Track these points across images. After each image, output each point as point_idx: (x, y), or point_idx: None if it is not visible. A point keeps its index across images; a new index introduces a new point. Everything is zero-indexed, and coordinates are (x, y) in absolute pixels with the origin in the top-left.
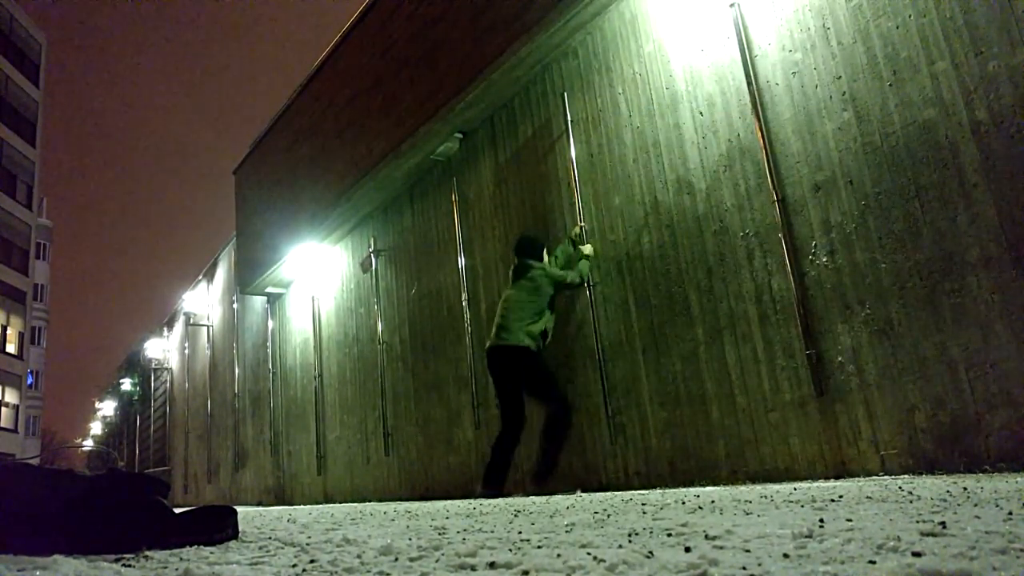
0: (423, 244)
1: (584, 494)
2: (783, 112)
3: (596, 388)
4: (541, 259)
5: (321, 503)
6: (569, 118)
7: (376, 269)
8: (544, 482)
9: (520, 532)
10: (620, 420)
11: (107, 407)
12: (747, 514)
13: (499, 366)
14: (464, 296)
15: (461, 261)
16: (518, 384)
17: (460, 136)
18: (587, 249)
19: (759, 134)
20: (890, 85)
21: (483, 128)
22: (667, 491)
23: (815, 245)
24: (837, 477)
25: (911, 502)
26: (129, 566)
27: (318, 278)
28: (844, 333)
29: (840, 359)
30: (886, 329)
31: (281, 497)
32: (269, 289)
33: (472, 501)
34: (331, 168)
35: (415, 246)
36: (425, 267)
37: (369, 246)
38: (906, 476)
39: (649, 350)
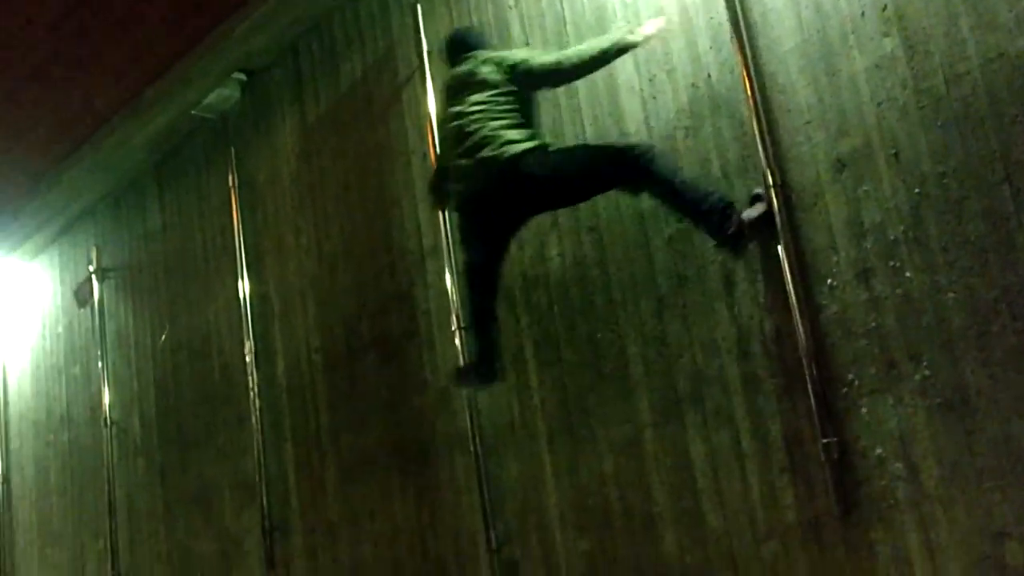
0: (180, 260)
1: None
2: (783, 39)
3: (470, 500)
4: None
5: None
6: (425, 48)
7: (101, 301)
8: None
9: None
10: (511, 554)
11: None
12: None
13: (497, 199)
14: (248, 347)
15: (244, 288)
16: (516, 226)
17: (242, 78)
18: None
19: (743, 75)
20: None
21: (280, 65)
22: None
23: (838, 261)
24: None
25: None
26: None
27: (3, 316)
28: (887, 409)
29: (880, 452)
30: (956, 402)
31: None
32: None
33: None
34: (25, 131)
35: (167, 263)
36: (183, 298)
37: (89, 263)
38: None
39: (559, 437)
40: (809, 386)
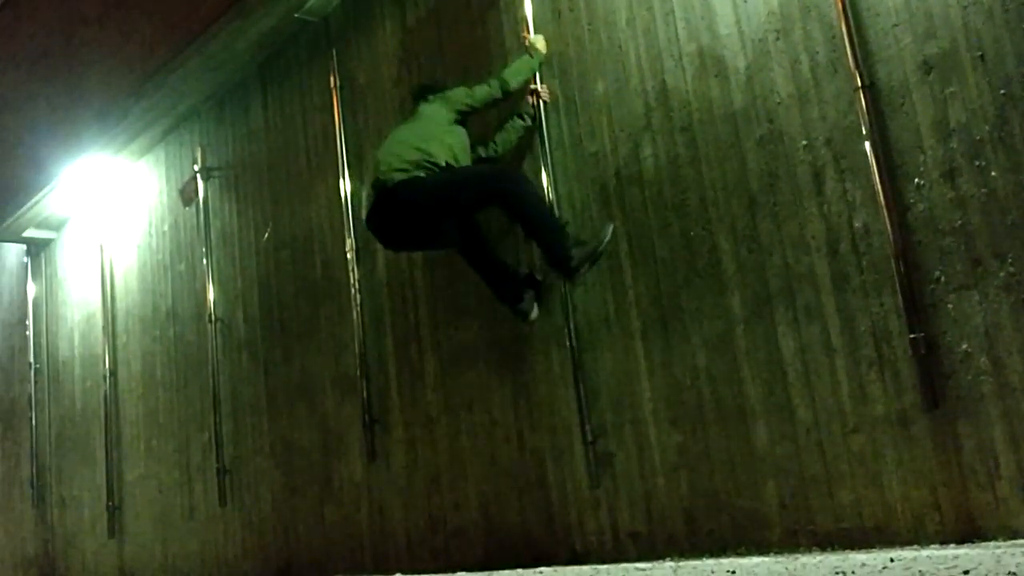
0: (283, 159)
1: (546, 570)
2: None
3: (565, 395)
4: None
5: None
6: None
7: (206, 200)
8: (568, 266)
9: None
10: (605, 447)
11: None
12: None
13: (397, 213)
14: (350, 244)
15: (345, 186)
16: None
17: None
18: (538, 42)
19: None
20: None
21: None
22: (683, 563)
23: (924, 161)
24: (961, 540)
25: None
26: None
27: (111, 215)
28: (973, 305)
29: (966, 347)
30: None
31: (50, 573)
32: (30, 233)
33: None
34: (132, 35)
35: (269, 163)
36: (286, 197)
37: (194, 162)
38: None
39: (653, 332)
40: (897, 283)
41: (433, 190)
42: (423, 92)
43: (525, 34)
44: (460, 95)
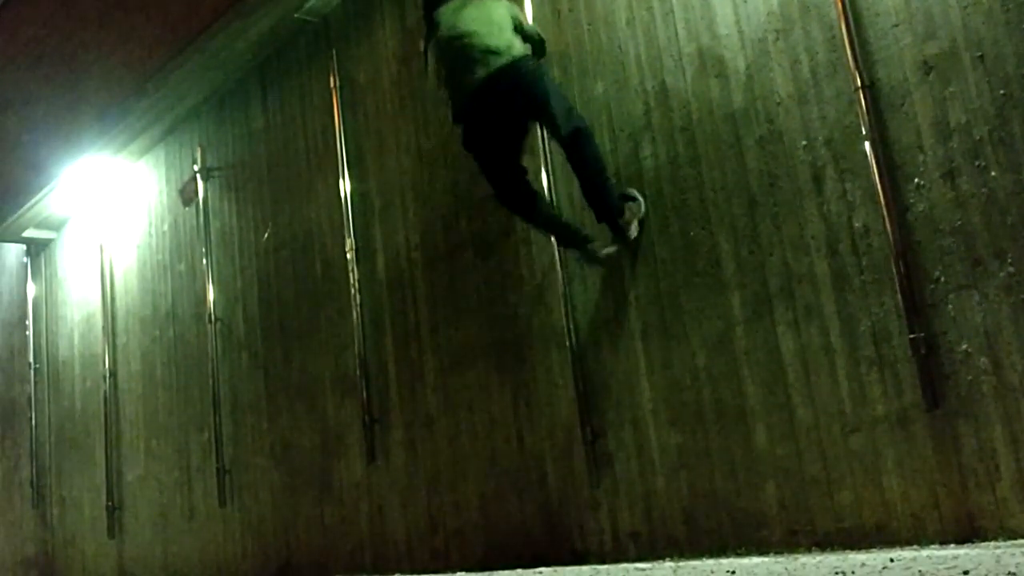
0: (283, 159)
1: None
2: None
3: (565, 395)
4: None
5: None
6: None
7: (205, 200)
8: (618, 223)
9: None
10: (606, 447)
11: None
12: None
13: (507, 106)
14: (349, 244)
15: (345, 186)
16: (526, 133)
17: None
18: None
19: None
20: None
21: None
22: (682, 564)
23: (924, 161)
24: (961, 540)
25: None
26: None
27: (110, 215)
28: (972, 305)
29: (966, 347)
30: None
31: (48, 573)
32: (30, 233)
33: None
34: (132, 35)
35: (269, 163)
36: (286, 197)
37: (194, 162)
38: None
39: (653, 333)
40: (896, 283)
41: (544, 84)
42: None
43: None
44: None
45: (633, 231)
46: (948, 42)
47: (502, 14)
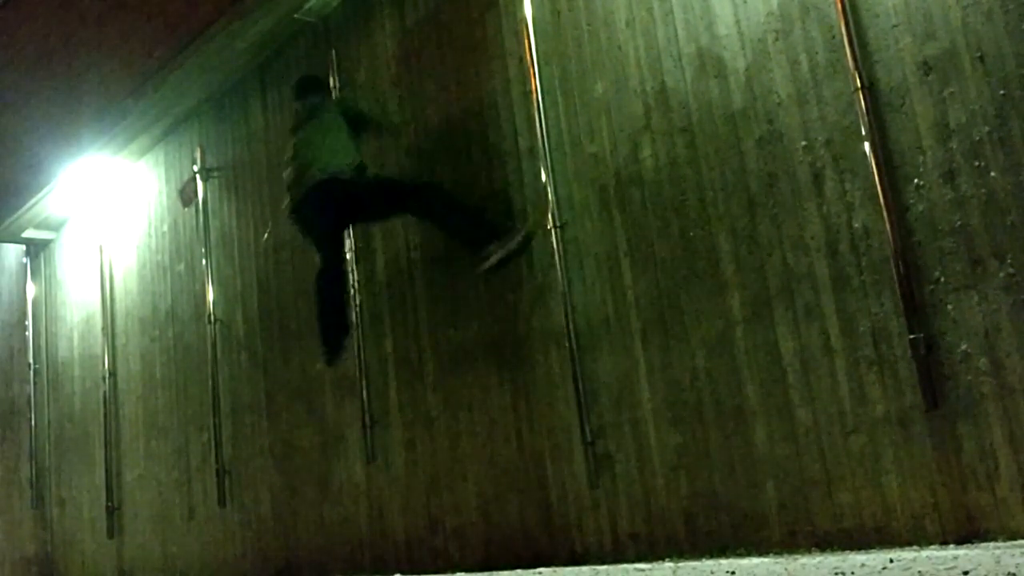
0: (282, 159)
1: (545, 571)
2: None
3: (565, 395)
4: (326, 98)
5: None
6: None
7: (205, 201)
8: (481, 246)
9: None
10: (605, 448)
11: None
12: None
13: (320, 207)
14: (349, 244)
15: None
16: (345, 225)
17: None
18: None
19: None
20: None
21: None
22: (682, 564)
23: (924, 162)
24: (960, 541)
25: None
26: None
27: (110, 216)
28: (972, 306)
29: (966, 347)
30: None
31: (48, 573)
32: (29, 233)
33: None
34: (132, 33)
35: (269, 163)
36: (286, 197)
37: (193, 163)
38: None
39: (653, 333)
40: (896, 283)
41: (362, 184)
42: (308, 91)
43: None
44: (346, 107)
45: (491, 261)
46: (948, 42)
47: (334, 131)
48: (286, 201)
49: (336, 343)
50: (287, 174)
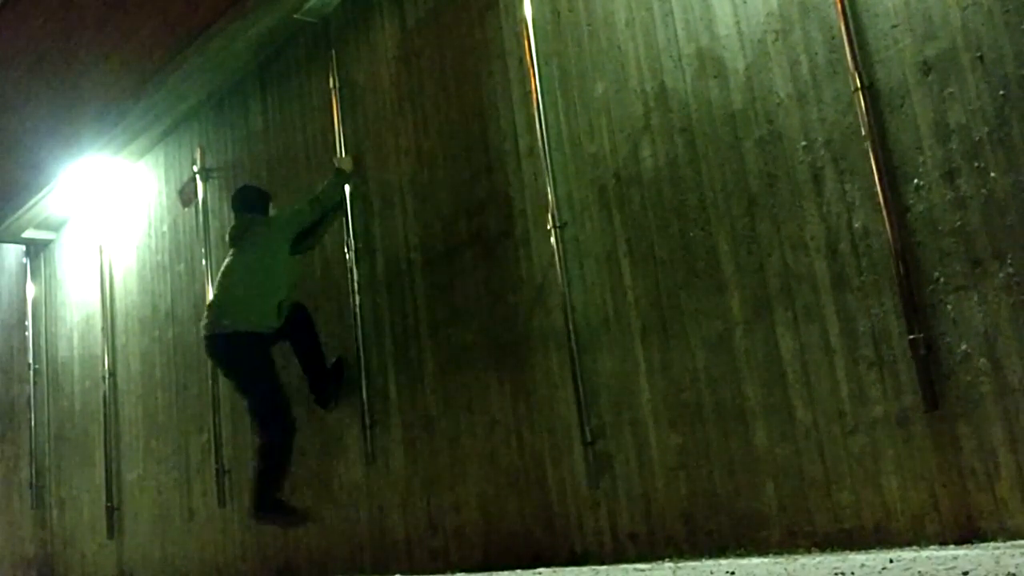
0: (282, 160)
1: (545, 571)
2: None
3: (565, 395)
4: (266, 213)
5: None
6: None
7: (205, 201)
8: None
9: None
10: (604, 448)
11: None
12: None
13: (224, 358)
14: (349, 244)
15: (344, 187)
16: (259, 375)
17: None
18: (344, 164)
19: None
20: None
21: None
22: (682, 564)
23: (924, 162)
24: (960, 541)
25: None
26: None
27: (110, 216)
28: (972, 306)
29: (965, 348)
30: None
31: (48, 574)
32: (29, 233)
33: None
34: (131, 35)
35: (269, 163)
36: (286, 198)
37: (193, 163)
38: None
39: (652, 333)
40: (896, 283)
41: (251, 360)
42: (248, 205)
43: (336, 158)
44: (290, 225)
45: (332, 405)
46: (947, 43)
47: (268, 257)
48: (203, 319)
49: (273, 496)
50: (212, 292)
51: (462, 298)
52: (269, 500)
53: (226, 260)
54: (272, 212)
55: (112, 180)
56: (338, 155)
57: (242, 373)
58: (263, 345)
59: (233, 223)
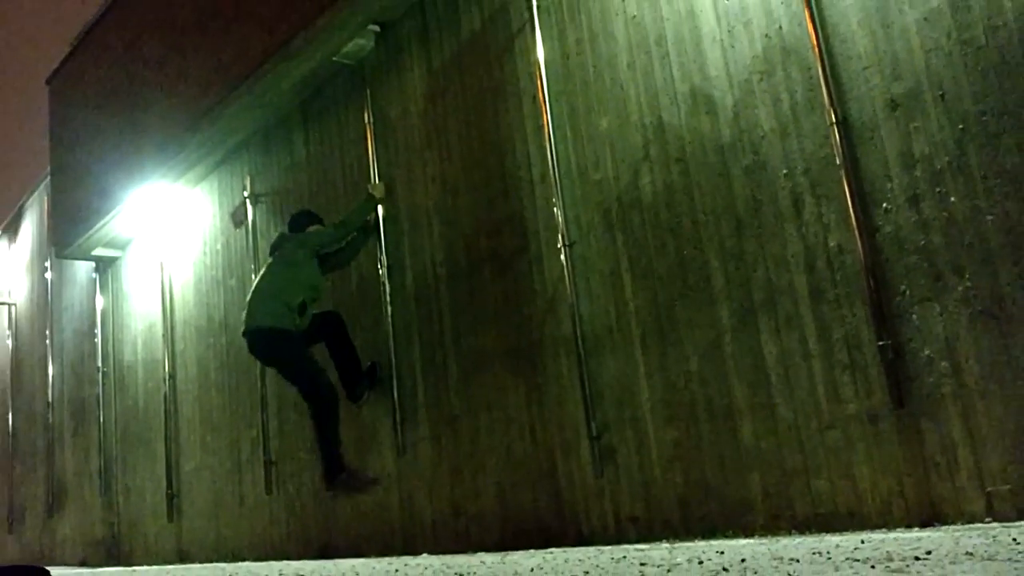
0: (322, 186)
1: (555, 551)
2: None
3: (573, 395)
4: (303, 231)
5: (173, 562)
6: (535, 3)
7: (254, 223)
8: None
9: None
10: (608, 442)
11: None
12: None
13: (257, 350)
14: (382, 261)
15: (378, 211)
16: (292, 364)
17: (376, 29)
18: (376, 191)
19: (810, 27)
20: None
21: (410, 18)
22: (677, 545)
23: (891, 188)
24: (924, 524)
25: None
26: None
27: (170, 236)
28: (934, 316)
29: (928, 353)
30: (995, 310)
31: (115, 553)
32: (99, 252)
33: (393, 562)
34: (188, 76)
35: (310, 189)
36: (326, 220)
37: (243, 189)
38: (1022, 523)
39: (651, 340)
40: (867, 296)
41: (281, 351)
42: (291, 224)
43: (370, 184)
44: (314, 241)
45: (364, 399)
46: (913, 82)
47: (295, 268)
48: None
49: (340, 465)
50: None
51: (482, 309)
52: (338, 466)
53: (266, 264)
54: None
55: (171, 204)
56: (372, 182)
57: (277, 362)
58: (289, 339)
59: (274, 239)
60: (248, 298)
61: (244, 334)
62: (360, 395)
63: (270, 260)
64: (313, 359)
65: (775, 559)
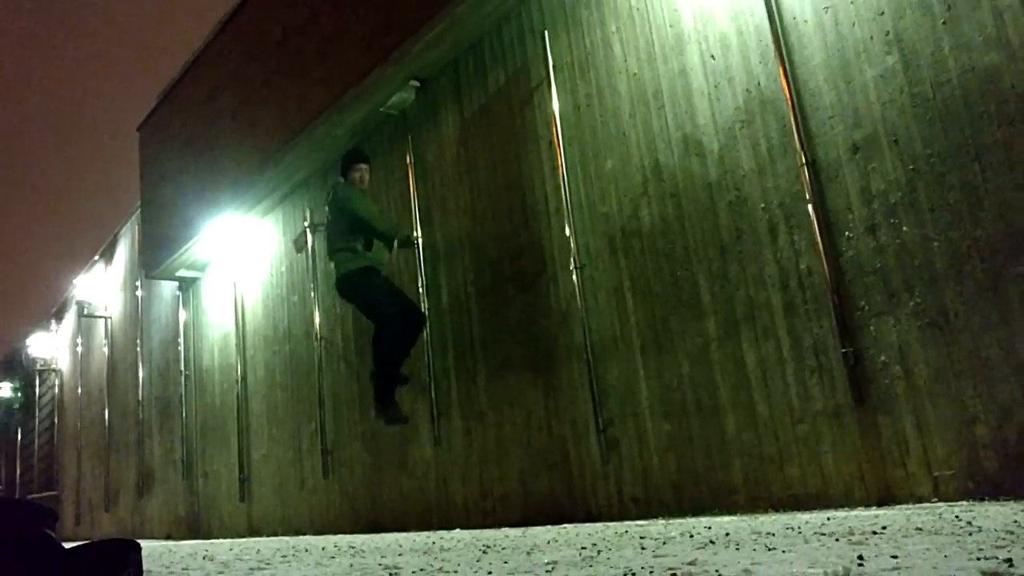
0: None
1: (568, 526)
2: (813, 56)
3: (583, 395)
4: (346, 176)
5: (245, 536)
6: (551, 63)
7: (313, 248)
8: (383, 409)
9: (490, 573)
10: (613, 434)
11: None
12: (769, 550)
13: (341, 292)
14: (420, 281)
15: (418, 237)
16: (365, 295)
17: (416, 84)
18: (410, 238)
19: (784, 83)
20: (944, 23)
21: (445, 75)
22: (671, 522)
23: (853, 219)
24: (880, 504)
25: (970, 534)
26: None
27: (241, 259)
28: (889, 327)
29: (884, 359)
30: (940, 322)
31: (195, 529)
32: (181, 273)
33: (431, 535)
34: (257, 124)
35: None
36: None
37: (304, 219)
38: (965, 503)
39: (649, 348)
40: (832, 310)
41: (357, 287)
42: (345, 163)
43: (414, 232)
44: (352, 207)
45: (387, 411)
46: (871, 129)
47: (346, 218)
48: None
49: (389, 397)
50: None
51: (506, 321)
52: (387, 398)
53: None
54: (352, 179)
55: (243, 233)
56: (415, 233)
57: (355, 297)
58: (362, 274)
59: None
60: (325, 251)
61: (335, 284)
62: (384, 407)
63: (328, 202)
64: (383, 288)
65: (754, 533)
